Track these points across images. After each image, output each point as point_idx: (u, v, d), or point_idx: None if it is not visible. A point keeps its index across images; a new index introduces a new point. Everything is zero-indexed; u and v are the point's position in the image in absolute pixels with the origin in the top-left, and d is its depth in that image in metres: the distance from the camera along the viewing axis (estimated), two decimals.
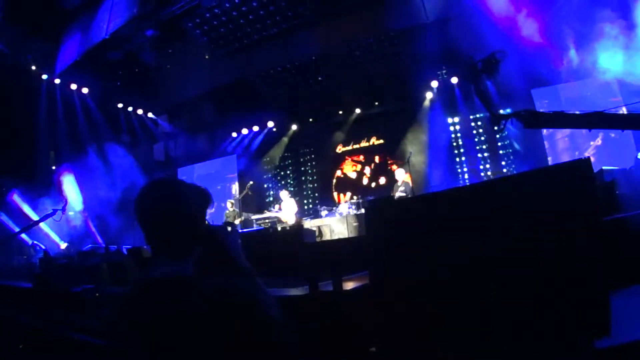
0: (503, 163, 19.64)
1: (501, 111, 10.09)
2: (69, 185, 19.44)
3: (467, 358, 3.21)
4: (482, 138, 20.41)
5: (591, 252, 3.05)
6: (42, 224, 17.11)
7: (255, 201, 20.07)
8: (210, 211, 13.07)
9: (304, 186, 20.91)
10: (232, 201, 17.55)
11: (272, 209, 18.63)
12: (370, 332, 3.59)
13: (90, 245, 16.78)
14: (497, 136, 19.96)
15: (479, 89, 6.55)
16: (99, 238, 19.26)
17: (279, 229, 15.92)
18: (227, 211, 17.27)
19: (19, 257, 15.86)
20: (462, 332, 3.30)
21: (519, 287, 3.22)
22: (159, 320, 2.38)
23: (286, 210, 17.33)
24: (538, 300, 3.15)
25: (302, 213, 19.07)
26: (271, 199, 23.65)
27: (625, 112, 8.76)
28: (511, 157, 19.52)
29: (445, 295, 3.42)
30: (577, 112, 7.87)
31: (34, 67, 18.99)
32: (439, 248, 3.49)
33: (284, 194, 18.00)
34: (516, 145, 19.12)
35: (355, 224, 16.11)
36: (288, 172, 24.90)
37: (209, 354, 2.33)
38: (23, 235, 16.48)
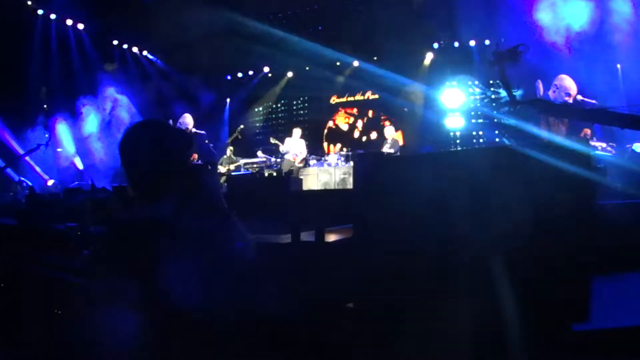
0: (496, 132, 19.57)
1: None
2: (62, 128, 19.30)
3: (443, 320, 3.18)
4: (478, 104, 20.33)
5: (577, 234, 3.00)
6: (30, 161, 17.03)
7: (245, 145, 19.95)
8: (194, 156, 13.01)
9: (293, 131, 20.83)
10: (232, 148, 17.43)
11: (258, 154, 18.56)
12: (349, 288, 3.55)
13: (76, 183, 16.71)
14: (494, 105, 19.86)
15: (502, 73, 6.98)
16: (86, 176, 19.13)
17: (266, 174, 15.89)
18: (225, 157, 17.14)
19: (6, 193, 15.76)
20: (438, 294, 3.26)
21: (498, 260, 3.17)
22: (135, 261, 2.36)
23: (296, 148, 17.28)
24: (516, 278, 3.10)
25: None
26: (260, 142, 23.57)
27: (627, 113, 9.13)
28: (505, 131, 19.46)
29: (423, 256, 3.36)
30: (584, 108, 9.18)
31: (29, 2, 18.69)
32: (421, 210, 3.42)
33: (297, 131, 17.86)
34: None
35: (342, 176, 16.11)
36: (280, 119, 24.78)
37: (182, 294, 2.31)
38: (10, 172, 16.41)
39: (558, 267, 2.92)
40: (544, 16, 13.87)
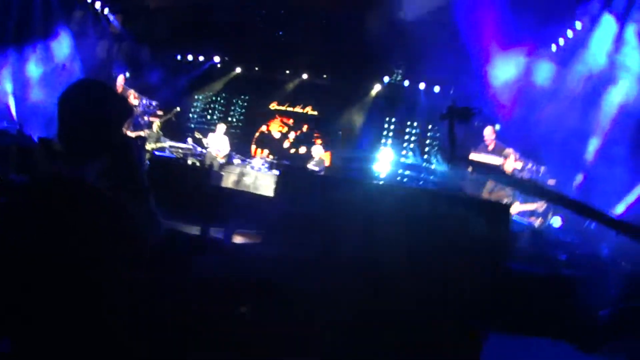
0: (422, 175, 19.87)
1: None
2: (6, 68, 18.79)
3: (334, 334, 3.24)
4: (411, 146, 20.63)
5: (480, 290, 3.09)
6: None
7: (175, 129, 19.73)
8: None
9: (217, 127, 20.63)
10: (159, 123, 17.16)
11: (187, 140, 18.42)
12: (246, 292, 3.58)
13: (5, 124, 16.27)
14: (426, 149, 20.24)
15: (451, 129, 7.18)
16: (15, 119, 18.60)
17: (190, 162, 15.79)
18: (151, 131, 16.85)
19: None
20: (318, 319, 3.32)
21: (398, 296, 3.24)
22: (48, 217, 2.35)
23: (218, 144, 17.26)
24: (410, 315, 3.17)
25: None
26: (192, 127, 23.34)
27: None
28: (431, 175, 19.80)
29: (323, 274, 3.42)
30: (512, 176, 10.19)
31: None
32: (331, 232, 3.48)
33: (221, 127, 17.93)
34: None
35: (263, 182, 16.11)
36: (216, 111, 24.59)
37: (83, 255, 2.31)
38: None
39: (452, 319, 3.01)
40: (496, 72, 14.37)
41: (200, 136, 17.77)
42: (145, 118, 16.73)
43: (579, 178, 13.32)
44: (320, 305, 3.39)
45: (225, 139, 17.56)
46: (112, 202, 2.47)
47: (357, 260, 3.41)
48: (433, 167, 19.73)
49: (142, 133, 15.83)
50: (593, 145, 13.28)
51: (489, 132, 12.37)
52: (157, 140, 16.67)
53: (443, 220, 3.31)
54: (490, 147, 12.03)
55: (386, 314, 3.16)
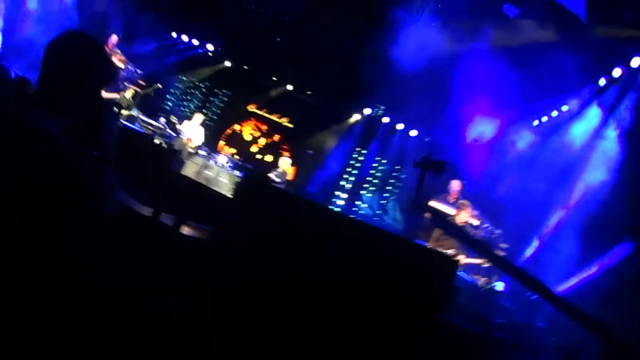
0: (378, 212, 19.98)
1: None
2: None
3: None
4: (375, 181, 20.74)
5: (413, 340, 3.08)
6: None
7: (150, 105, 19.56)
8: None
9: (194, 115, 20.45)
10: (133, 91, 16.95)
11: (159, 120, 18.29)
12: (181, 284, 3.54)
13: None
14: (388, 188, 20.37)
15: (421, 179, 7.90)
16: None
17: (157, 142, 15.65)
18: (124, 97, 16.64)
19: None
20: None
21: (329, 328, 3.22)
22: (5, 162, 2.30)
23: (192, 133, 17.22)
24: (339, 350, 3.15)
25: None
26: (167, 109, 23.19)
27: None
28: (387, 214, 19.92)
29: (260, 289, 3.40)
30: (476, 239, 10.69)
31: None
32: (281, 249, 3.47)
33: (198, 117, 17.90)
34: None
35: (223, 180, 16.03)
36: (195, 98, 24.48)
37: (32, 211, 2.28)
38: None
39: None
40: (474, 131, 14.66)
41: (175, 121, 17.65)
42: (126, 84, 16.57)
43: (534, 246, 13.48)
44: (249, 313, 3.36)
45: (201, 130, 17.53)
46: (68, 156, 2.43)
47: (295, 283, 3.39)
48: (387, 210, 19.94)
49: (116, 96, 15.67)
50: (554, 218, 13.45)
51: (455, 185, 12.68)
52: (127, 108, 16.49)
53: (390, 262, 3.30)
54: (451, 200, 12.29)
55: (316, 341, 3.13)
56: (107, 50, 14.26)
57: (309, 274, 3.36)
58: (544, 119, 15.44)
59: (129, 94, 16.34)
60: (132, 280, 3.39)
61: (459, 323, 6.37)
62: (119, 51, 14.91)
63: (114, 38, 15.26)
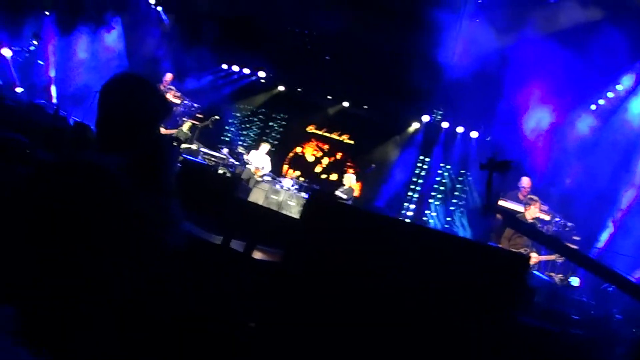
0: (448, 219, 19.78)
1: None
2: (52, 46, 19.02)
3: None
4: (442, 188, 20.52)
5: (491, 342, 2.99)
6: (8, 59, 16.72)
7: (210, 137, 19.81)
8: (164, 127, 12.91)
9: (260, 145, 20.65)
10: (190, 124, 17.21)
11: (222, 150, 18.51)
12: (259, 308, 3.51)
13: (43, 101, 16.43)
14: (456, 193, 20.15)
15: (489, 180, 7.71)
16: (54, 99, 18.82)
17: (220, 171, 15.79)
18: (181, 130, 16.90)
19: None
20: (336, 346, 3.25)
21: (403, 344, 3.15)
22: (67, 199, 2.31)
23: (259, 161, 17.40)
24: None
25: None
26: (227, 139, 23.44)
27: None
28: (460, 216, 19.68)
29: (339, 308, 3.34)
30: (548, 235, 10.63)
31: None
32: (354, 266, 3.41)
33: (264, 146, 18.12)
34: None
35: (290, 203, 16.09)
36: (254, 126, 24.66)
37: (95, 247, 2.28)
38: None
39: None
40: (533, 124, 14.43)
41: (243, 151, 17.88)
42: (185, 119, 16.86)
43: (608, 232, 13.14)
44: (327, 335, 3.31)
45: (267, 159, 17.74)
46: (132, 198, 2.44)
47: (371, 296, 3.33)
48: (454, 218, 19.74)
49: (174, 131, 15.93)
50: (624, 201, 13.20)
51: (526, 182, 12.48)
52: (186, 142, 16.73)
53: (462, 267, 3.21)
54: (522, 197, 12.11)
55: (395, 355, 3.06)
56: (162, 88, 14.64)
57: (385, 285, 3.29)
58: (601, 101, 15.11)
59: (186, 127, 16.63)
60: (208, 307, 3.39)
61: (537, 323, 6.23)
62: (173, 88, 15.23)
63: (168, 76, 15.61)
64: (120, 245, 2.40)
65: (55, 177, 2.46)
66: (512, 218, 11.04)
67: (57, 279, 2.27)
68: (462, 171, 20.06)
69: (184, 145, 16.39)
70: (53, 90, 19.14)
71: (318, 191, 17.32)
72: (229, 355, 3.34)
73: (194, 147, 17.13)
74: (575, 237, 12.12)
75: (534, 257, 10.53)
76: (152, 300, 2.58)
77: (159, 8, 22.65)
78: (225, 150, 18.32)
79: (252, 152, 17.78)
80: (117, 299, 2.41)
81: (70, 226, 2.29)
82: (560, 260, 10.81)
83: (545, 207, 12.17)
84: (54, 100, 18.57)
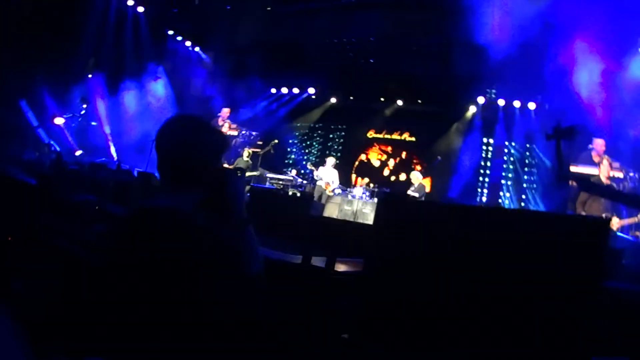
0: (523, 197, 19.51)
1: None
2: (101, 104, 19.49)
3: None
4: (511, 167, 20.25)
5: (582, 313, 2.96)
6: (62, 127, 17.18)
7: (274, 161, 20.04)
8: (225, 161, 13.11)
9: (326, 160, 20.84)
10: (250, 151, 17.41)
11: (289, 172, 18.70)
12: (349, 319, 3.55)
13: (103, 159, 16.84)
14: (526, 169, 19.85)
15: (559, 149, 7.87)
16: (114, 154, 19.29)
17: (290, 193, 15.93)
18: (241, 159, 17.13)
19: (32, 151, 15.90)
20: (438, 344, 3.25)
21: (496, 327, 3.15)
22: (147, 246, 2.40)
23: (328, 176, 17.52)
24: (512, 351, 3.07)
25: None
26: (290, 162, 23.64)
27: None
28: (534, 193, 19.40)
29: (430, 306, 3.35)
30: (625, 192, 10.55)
31: None
32: (438, 260, 3.42)
33: (330, 161, 18.13)
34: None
35: (365, 210, 16.12)
36: (314, 142, 24.83)
37: (183, 288, 2.35)
38: (42, 132, 16.57)
39: (555, 344, 2.89)
40: (586, 81, 14.08)
41: (312, 167, 18.04)
42: (247, 149, 17.10)
43: None
44: (424, 334, 3.34)
45: (335, 173, 17.80)
46: (208, 233, 2.50)
47: (456, 288, 3.34)
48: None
49: (238, 163, 16.21)
50: None
51: (599, 144, 12.13)
52: (248, 169, 16.92)
53: (542, 241, 3.19)
54: (597, 159, 11.77)
55: (486, 345, 3.07)
56: (220, 122, 14.89)
57: (470, 272, 3.30)
58: None
59: (245, 155, 16.84)
60: (300, 327, 3.43)
61: (627, 286, 6.10)
62: (228, 121, 15.46)
63: (224, 111, 15.92)
64: (212, 280, 2.47)
65: (132, 229, 2.56)
66: (587, 182, 10.78)
67: (165, 324, 2.36)
68: (528, 145, 19.78)
69: (248, 174, 16.60)
70: (112, 146, 19.60)
71: (388, 193, 17.28)
72: None
73: (256, 173, 17.33)
74: None
75: (616, 222, 10.28)
76: (247, 328, 2.64)
77: (197, 48, 23.06)
78: (293, 172, 18.52)
79: (320, 168, 17.87)
80: (220, 332, 2.48)
81: (162, 273, 2.37)
82: None
83: (617, 164, 11.91)
84: (114, 156, 19.08)
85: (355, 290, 3.87)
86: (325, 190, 17.00)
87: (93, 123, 19.08)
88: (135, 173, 12.83)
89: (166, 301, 2.35)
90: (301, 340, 3.40)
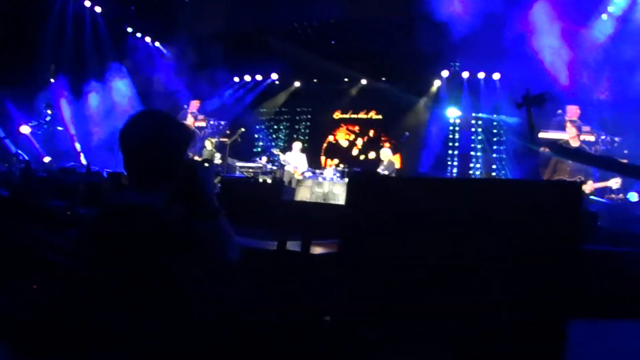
0: (494, 167, 19.68)
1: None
2: (65, 108, 19.33)
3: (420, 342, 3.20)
4: (479, 137, 20.40)
5: (559, 277, 3.00)
6: (29, 135, 17.05)
7: (242, 149, 19.99)
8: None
9: (293, 145, 20.79)
10: (213, 141, 17.37)
11: (258, 159, 18.69)
12: (329, 301, 3.57)
13: (72, 163, 16.72)
14: (495, 139, 20.02)
15: (529, 116, 7.96)
16: (82, 158, 19.16)
17: (261, 180, 15.91)
18: (205, 150, 17.07)
19: (1, 164, 15.77)
20: (416, 318, 3.27)
21: (474, 297, 3.18)
22: (119, 246, 2.40)
23: (295, 161, 17.58)
24: (489, 318, 3.10)
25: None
26: (259, 149, 23.60)
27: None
28: (503, 162, 19.57)
29: (408, 281, 3.37)
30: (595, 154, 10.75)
31: None
32: (412, 234, 3.43)
33: (296, 145, 18.23)
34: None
35: (336, 192, 16.14)
36: (281, 127, 24.78)
37: (159, 283, 2.35)
38: (9, 143, 16.42)
39: (533, 309, 2.93)
40: (544, 46, 14.21)
41: (278, 152, 18.05)
42: (209, 140, 17.07)
43: None
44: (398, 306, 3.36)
45: (303, 157, 17.86)
46: (181, 227, 2.51)
47: (432, 260, 3.36)
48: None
49: (203, 155, 16.16)
50: None
51: (572, 111, 12.31)
52: (213, 158, 16.85)
53: (513, 210, 3.22)
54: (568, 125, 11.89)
55: (465, 314, 3.09)
56: (189, 115, 14.87)
57: (444, 244, 3.32)
58: (610, 8, 14.73)
59: (209, 145, 16.79)
60: (280, 312, 3.45)
61: (605, 248, 6.19)
62: (196, 113, 15.47)
63: (194, 103, 15.85)
64: (189, 274, 2.47)
65: (102, 230, 2.56)
66: (558, 146, 10.92)
67: (146, 324, 2.36)
68: (495, 115, 19.93)
69: (217, 161, 16.60)
70: (78, 148, 19.46)
71: (357, 172, 17.31)
72: (311, 353, 3.41)
73: (217, 160, 17.22)
74: (625, 151, 11.98)
75: (589, 185, 10.39)
76: (230, 318, 2.64)
77: (157, 44, 22.95)
78: (263, 159, 18.51)
79: (287, 153, 17.93)
80: (201, 326, 2.49)
81: (138, 272, 2.37)
82: (616, 186, 10.60)
83: (588, 128, 12.04)
84: (83, 159, 18.95)
85: (333, 272, 3.89)
86: (294, 174, 17.04)
87: (59, 128, 18.95)
88: (105, 174, 12.76)
89: (145, 300, 2.35)
90: (283, 327, 3.41)
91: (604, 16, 14.72)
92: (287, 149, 18.95)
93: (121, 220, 2.49)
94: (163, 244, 2.41)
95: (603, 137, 12.21)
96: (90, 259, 2.50)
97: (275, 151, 18.48)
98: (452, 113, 20.49)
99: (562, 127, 12.05)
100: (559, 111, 12.75)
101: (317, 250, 4.69)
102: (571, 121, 11.13)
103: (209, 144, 17.11)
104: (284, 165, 17.40)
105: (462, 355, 2.94)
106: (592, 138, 11.99)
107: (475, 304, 3.03)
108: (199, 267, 2.52)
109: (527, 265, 3.00)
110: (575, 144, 10.82)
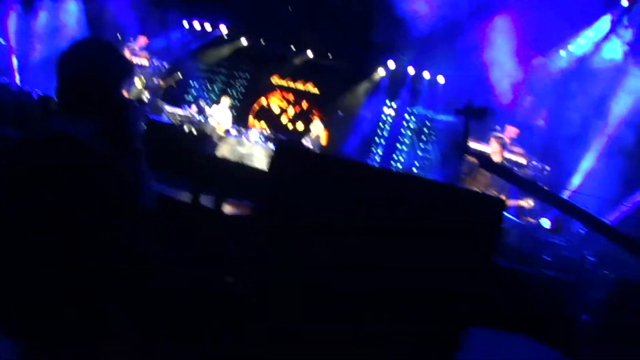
0: (416, 163, 19.89)
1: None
2: (12, 22, 18.78)
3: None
4: (408, 133, 20.60)
5: (467, 285, 3.06)
6: None
7: (174, 94, 19.71)
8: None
9: (221, 99, 20.53)
10: (143, 80, 16.98)
11: (188, 107, 18.47)
12: (234, 263, 3.57)
13: (6, 79, 16.28)
14: (423, 137, 20.24)
15: (466, 125, 8.17)
16: (16, 76, 18.62)
17: (186, 130, 15.74)
18: (134, 87, 16.64)
19: None
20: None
21: (378, 283, 3.22)
22: (39, 175, 2.35)
23: (221, 117, 17.50)
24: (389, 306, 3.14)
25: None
26: (190, 98, 23.31)
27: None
28: (426, 162, 19.81)
29: (315, 255, 3.41)
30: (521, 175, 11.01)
31: None
32: (328, 213, 3.46)
33: (224, 101, 18.24)
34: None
35: (258, 155, 16.08)
36: (217, 80, 24.55)
37: (72, 218, 2.32)
38: None
39: (434, 314, 2.98)
40: (502, 71, 14.38)
41: (204, 105, 17.84)
42: (140, 78, 16.71)
43: (579, 178, 13.21)
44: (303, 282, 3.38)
45: (229, 113, 17.81)
46: (105, 161, 2.46)
47: (342, 245, 3.38)
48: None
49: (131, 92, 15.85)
50: (597, 145, 13.22)
51: (512, 131, 12.56)
52: (140, 98, 16.54)
53: (434, 210, 3.27)
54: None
55: (366, 302, 3.13)
56: (131, 49, 14.58)
57: (358, 232, 3.35)
58: (571, 47, 15.04)
59: (138, 84, 16.44)
60: (182, 266, 3.44)
61: (510, 265, 6.36)
62: (137, 49, 15.17)
63: (141, 39, 15.51)
64: (106, 212, 2.44)
65: (24, 154, 2.49)
66: (487, 159, 11.11)
67: (53, 259, 2.32)
68: (430, 116, 20.14)
69: (143, 99, 16.31)
70: (15, 64, 18.94)
71: (285, 141, 17.32)
72: (211, 313, 3.41)
73: (145, 99, 16.90)
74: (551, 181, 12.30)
75: (508, 202, 10.61)
76: (137, 265, 2.62)
77: None
78: (193, 108, 18.28)
79: (214, 106, 17.85)
80: (109, 267, 2.46)
81: (57, 201, 2.32)
82: (529, 206, 10.86)
83: (521, 150, 12.28)
84: (17, 77, 18.45)
85: (243, 235, 3.89)
86: (216, 129, 16.92)
87: (2, 42, 18.43)
88: (35, 96, 12.44)
89: (59, 231, 2.31)
90: (185, 280, 3.40)
91: (563, 52, 15.00)
92: (217, 102, 18.74)
93: (44, 146, 2.43)
94: (84, 177, 2.37)
95: (535, 163, 12.48)
96: (6, 186, 2.44)
97: (202, 103, 18.25)
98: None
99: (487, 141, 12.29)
100: (498, 127, 12.94)
101: (228, 209, 4.68)
102: (496, 137, 11.35)
103: (138, 83, 16.70)
104: (208, 118, 17.23)
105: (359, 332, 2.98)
106: (523, 161, 12.24)
107: (382, 303, 3.07)
108: (116, 207, 2.49)
109: (438, 268, 3.05)
110: (496, 159, 11.05)
